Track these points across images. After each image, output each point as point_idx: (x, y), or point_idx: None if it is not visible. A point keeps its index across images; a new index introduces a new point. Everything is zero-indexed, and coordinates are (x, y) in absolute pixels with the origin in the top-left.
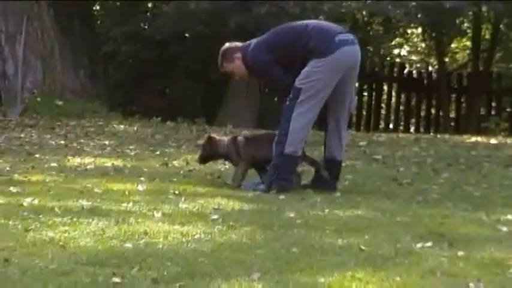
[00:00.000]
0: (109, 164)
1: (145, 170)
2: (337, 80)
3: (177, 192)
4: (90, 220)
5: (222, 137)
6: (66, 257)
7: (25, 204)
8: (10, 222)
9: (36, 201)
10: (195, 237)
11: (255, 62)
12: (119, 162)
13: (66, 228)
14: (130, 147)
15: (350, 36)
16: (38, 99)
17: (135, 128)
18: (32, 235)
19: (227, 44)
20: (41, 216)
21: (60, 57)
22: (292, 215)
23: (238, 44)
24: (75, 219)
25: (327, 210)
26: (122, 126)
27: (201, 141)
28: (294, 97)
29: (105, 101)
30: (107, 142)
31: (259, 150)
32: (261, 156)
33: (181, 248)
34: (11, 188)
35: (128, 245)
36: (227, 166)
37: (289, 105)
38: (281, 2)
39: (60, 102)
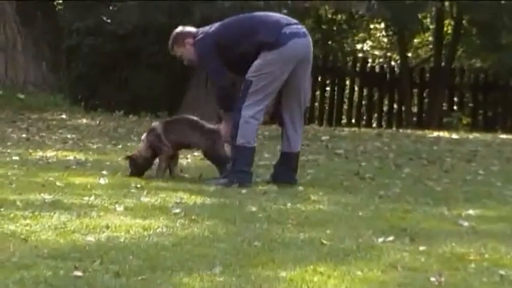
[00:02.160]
0: (71, 158)
1: (107, 163)
2: (289, 73)
3: (139, 186)
4: (52, 214)
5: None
6: (27, 251)
7: None
8: None
9: None
10: (157, 231)
11: (199, 52)
12: (81, 156)
13: (28, 221)
14: (93, 140)
15: (301, 29)
16: (0, 92)
17: (98, 122)
18: None
19: (180, 28)
20: (2, 209)
21: (22, 50)
22: (254, 209)
23: (192, 29)
24: (36, 213)
25: (288, 205)
26: (84, 120)
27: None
28: (244, 89)
29: (68, 94)
30: (69, 136)
31: (180, 134)
32: (183, 141)
33: (143, 241)
34: None
35: (90, 238)
36: (189, 160)
37: (240, 97)
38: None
39: (22, 96)
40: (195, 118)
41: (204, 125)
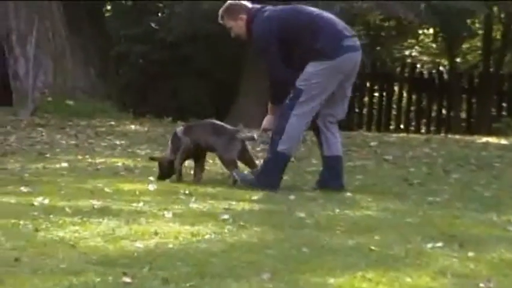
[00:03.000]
0: (120, 164)
1: (155, 170)
2: (337, 84)
3: (187, 192)
4: (101, 220)
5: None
6: (76, 257)
7: (36, 204)
8: (21, 222)
9: (47, 201)
10: (206, 237)
11: (260, 35)
12: (129, 162)
13: (77, 228)
14: (141, 147)
15: (356, 42)
16: (49, 99)
17: (146, 128)
18: (43, 235)
19: (235, 0)
20: (51, 216)
21: (71, 57)
22: (302, 215)
23: (248, 4)
24: (85, 219)
25: (337, 211)
26: (133, 126)
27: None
28: (294, 97)
29: (116, 101)
30: (117, 142)
31: (197, 134)
32: (199, 141)
33: (192, 248)
34: (22, 188)
35: (139, 245)
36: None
37: (289, 104)
38: (292, 2)
39: (71, 102)
40: (218, 122)
41: (224, 128)
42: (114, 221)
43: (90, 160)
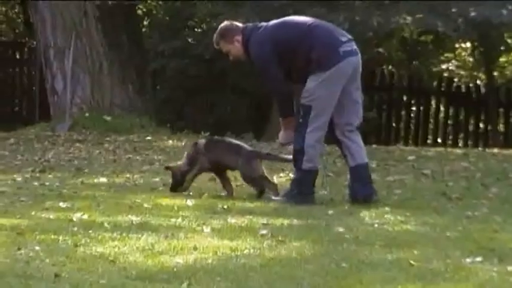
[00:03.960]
0: (158, 179)
1: (194, 185)
2: (341, 89)
3: (225, 207)
4: (140, 235)
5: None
6: (116, 272)
7: (75, 219)
8: (60, 238)
9: (85, 217)
10: (245, 252)
11: (258, 53)
12: (167, 177)
13: (116, 243)
14: (179, 162)
15: (353, 46)
16: (87, 114)
17: (183, 143)
18: (82, 250)
19: (227, 23)
20: (90, 231)
21: (108, 73)
22: (341, 229)
23: (239, 24)
24: (124, 234)
25: (376, 225)
26: (170, 142)
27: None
28: (304, 115)
29: (154, 116)
30: (155, 157)
31: (219, 154)
32: (220, 160)
33: (231, 263)
34: (61, 204)
35: (178, 260)
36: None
37: (302, 122)
38: (330, 16)
39: (108, 118)
40: (237, 142)
41: (243, 147)
42: (153, 236)
43: (128, 175)
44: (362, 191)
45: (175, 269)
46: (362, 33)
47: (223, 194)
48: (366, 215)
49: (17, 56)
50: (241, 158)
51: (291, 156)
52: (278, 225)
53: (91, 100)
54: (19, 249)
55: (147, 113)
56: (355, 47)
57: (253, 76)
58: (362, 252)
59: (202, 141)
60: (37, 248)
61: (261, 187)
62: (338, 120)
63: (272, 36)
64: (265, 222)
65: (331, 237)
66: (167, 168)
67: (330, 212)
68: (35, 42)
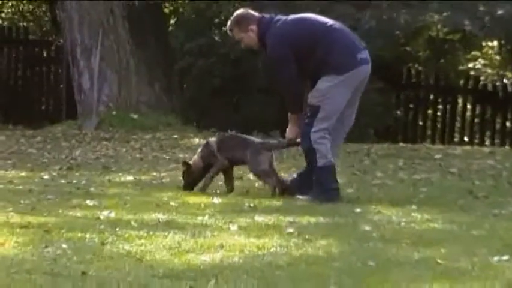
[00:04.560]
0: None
1: (220, 183)
2: (350, 97)
3: (252, 205)
4: (166, 233)
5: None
6: (142, 270)
7: (101, 217)
8: (87, 236)
9: (112, 215)
10: (271, 250)
11: (275, 49)
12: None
13: (143, 241)
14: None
15: (367, 54)
16: (114, 112)
17: None
18: (109, 248)
19: (243, 11)
20: (117, 229)
21: (135, 71)
22: (368, 228)
23: (255, 14)
24: (151, 233)
25: (402, 223)
26: (197, 140)
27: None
28: (312, 114)
29: (180, 114)
30: (181, 155)
31: (231, 150)
32: (232, 156)
33: (258, 261)
34: (88, 201)
35: (204, 258)
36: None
37: (307, 123)
38: (357, 14)
39: (135, 116)
40: (247, 136)
41: (251, 141)
42: (180, 234)
43: (154, 173)
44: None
45: (201, 267)
46: (389, 31)
47: (249, 192)
48: (393, 213)
49: (44, 54)
50: (248, 151)
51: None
52: (305, 223)
53: (118, 98)
54: (46, 247)
55: (173, 111)
56: (368, 56)
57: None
58: (389, 250)
59: (213, 139)
60: (64, 245)
61: (264, 182)
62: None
63: (291, 31)
64: (291, 220)
65: (357, 236)
66: (185, 163)
67: (357, 210)
68: (62, 40)
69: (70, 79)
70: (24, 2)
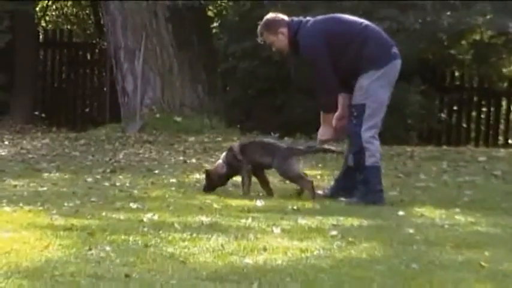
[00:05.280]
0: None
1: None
2: (391, 90)
3: (295, 207)
4: (210, 236)
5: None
6: (186, 273)
7: (145, 220)
8: (130, 238)
9: (156, 217)
10: (314, 253)
11: (310, 46)
12: (237, 178)
13: (186, 243)
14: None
15: (397, 50)
16: (157, 115)
17: None
18: (152, 251)
19: (272, 15)
20: (160, 232)
21: (178, 74)
22: (411, 231)
23: (284, 17)
24: (194, 235)
25: (446, 226)
26: None
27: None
28: (359, 114)
29: (224, 117)
30: None
31: (254, 154)
32: (256, 160)
33: (301, 263)
34: (131, 204)
35: (248, 260)
36: None
37: (356, 123)
38: (401, 16)
39: (178, 119)
40: (270, 140)
41: (277, 146)
42: (223, 237)
43: (198, 176)
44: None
45: (245, 270)
46: (433, 33)
47: (292, 194)
48: (436, 216)
49: (88, 57)
50: (277, 157)
51: (332, 147)
52: (348, 226)
53: (161, 101)
54: (90, 249)
55: (217, 113)
56: (398, 52)
57: None
58: (432, 253)
59: (236, 144)
60: (108, 248)
61: (300, 185)
62: None
63: (324, 29)
64: (335, 223)
65: (401, 238)
66: (207, 172)
67: (400, 212)
68: (105, 43)
69: (114, 82)
70: (68, 5)
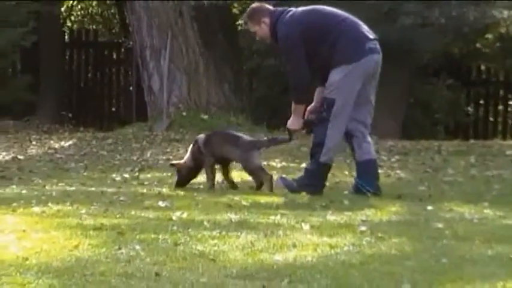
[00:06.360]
0: None
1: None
2: (360, 86)
3: (324, 204)
4: (239, 233)
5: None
6: (216, 271)
7: (174, 218)
8: (160, 237)
9: (185, 215)
10: (344, 249)
11: (285, 37)
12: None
13: (216, 241)
14: (276, 160)
15: (377, 45)
16: (184, 113)
17: None
18: (182, 249)
19: (257, 4)
20: (190, 230)
21: (204, 72)
22: (440, 225)
23: (269, 7)
24: (224, 233)
25: (475, 221)
26: None
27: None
28: (328, 108)
29: (250, 114)
30: None
31: (219, 147)
32: (220, 153)
33: (331, 260)
34: (160, 203)
35: (277, 257)
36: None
37: (325, 116)
38: (426, 11)
39: (205, 117)
40: (235, 132)
41: (241, 138)
42: (252, 234)
43: None
44: (369, 187)
45: (275, 267)
46: (458, 28)
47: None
48: (465, 210)
49: (114, 56)
50: (239, 149)
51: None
52: (377, 221)
53: (188, 99)
54: (119, 248)
55: (243, 111)
56: (378, 46)
57: None
58: (462, 248)
59: (201, 136)
60: (137, 247)
61: (259, 178)
62: (353, 115)
63: (301, 20)
64: (364, 218)
65: (430, 233)
66: (172, 165)
67: (429, 207)
68: (131, 42)
69: (140, 81)
70: (93, 5)
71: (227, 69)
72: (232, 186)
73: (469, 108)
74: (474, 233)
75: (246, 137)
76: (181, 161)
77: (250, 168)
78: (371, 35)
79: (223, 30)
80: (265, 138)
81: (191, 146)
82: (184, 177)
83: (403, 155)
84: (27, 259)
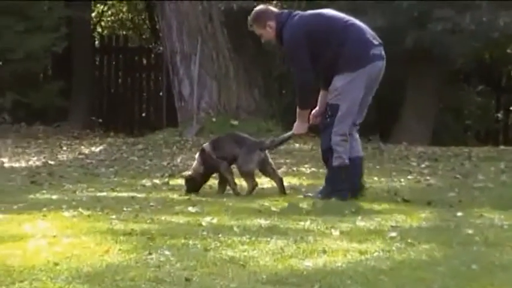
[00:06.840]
0: (285, 183)
1: (321, 188)
2: (363, 91)
3: (353, 209)
4: (269, 239)
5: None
6: (246, 276)
7: (204, 223)
8: (190, 242)
9: (215, 221)
10: (374, 255)
11: (290, 38)
12: (295, 181)
13: (246, 247)
14: (306, 165)
15: (382, 51)
16: (214, 119)
17: (310, 146)
18: (212, 254)
19: (262, 7)
20: (220, 235)
21: (234, 77)
22: (470, 231)
23: (274, 10)
24: (254, 238)
25: (505, 227)
26: (297, 145)
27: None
28: (332, 114)
29: (280, 119)
30: (282, 160)
31: (229, 149)
32: (231, 154)
33: (361, 265)
34: (190, 208)
35: (307, 263)
36: (403, 183)
37: (329, 122)
38: (457, 17)
39: (235, 122)
40: (241, 134)
41: (246, 139)
42: (282, 240)
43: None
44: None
45: (305, 273)
46: (488, 33)
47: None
48: (496, 216)
49: (144, 62)
50: (242, 149)
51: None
52: (407, 227)
53: (217, 105)
54: (150, 253)
55: (273, 116)
56: (383, 52)
57: (383, 78)
58: (492, 254)
59: (206, 144)
60: (167, 252)
61: (245, 181)
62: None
63: (307, 24)
64: (394, 224)
65: (460, 240)
66: (184, 177)
67: (459, 213)
68: (161, 48)
69: (170, 86)
70: (124, 10)
71: (257, 74)
72: (222, 191)
73: (499, 115)
74: (504, 239)
75: (251, 138)
76: (189, 172)
77: (243, 170)
78: (376, 41)
79: (253, 35)
80: (269, 139)
81: (198, 155)
82: (196, 183)
83: (433, 161)
84: (57, 264)
